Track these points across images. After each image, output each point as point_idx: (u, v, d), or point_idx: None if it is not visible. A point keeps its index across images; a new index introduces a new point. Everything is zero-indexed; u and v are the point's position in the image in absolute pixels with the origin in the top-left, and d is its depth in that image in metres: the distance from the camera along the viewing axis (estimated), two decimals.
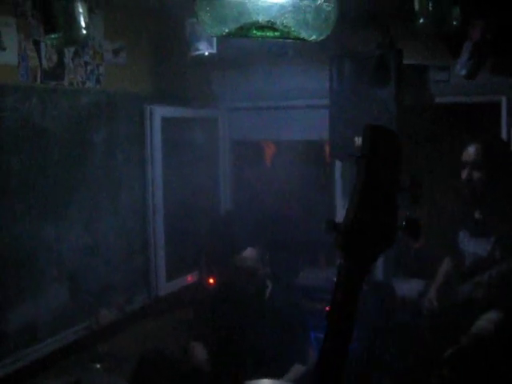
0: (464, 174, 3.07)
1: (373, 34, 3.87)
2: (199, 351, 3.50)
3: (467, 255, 3.17)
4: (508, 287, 2.94)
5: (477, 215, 3.16)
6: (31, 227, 3.32)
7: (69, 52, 3.53)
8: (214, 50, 3.74)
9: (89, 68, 3.68)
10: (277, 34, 1.33)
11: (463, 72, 3.37)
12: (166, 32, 4.15)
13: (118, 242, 3.92)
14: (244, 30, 1.31)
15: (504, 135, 3.78)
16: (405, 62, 3.90)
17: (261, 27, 1.29)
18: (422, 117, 4.06)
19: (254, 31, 1.31)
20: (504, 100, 3.74)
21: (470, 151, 3.08)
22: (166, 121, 4.21)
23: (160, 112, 4.14)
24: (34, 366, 3.27)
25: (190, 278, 4.41)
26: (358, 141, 3.97)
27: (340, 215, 4.39)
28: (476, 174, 3.04)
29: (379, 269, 4.29)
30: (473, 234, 3.15)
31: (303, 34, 1.39)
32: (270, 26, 1.28)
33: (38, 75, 3.36)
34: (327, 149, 4.61)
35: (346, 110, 3.98)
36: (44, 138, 3.40)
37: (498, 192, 3.06)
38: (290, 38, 1.42)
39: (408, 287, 4.06)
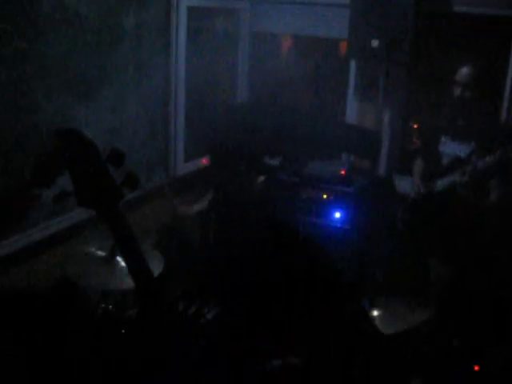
0: (457, 92, 3.44)
1: None
2: None
3: (445, 156, 3.62)
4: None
5: (460, 122, 3.55)
6: (63, 107, 3.54)
7: None
8: None
9: None
10: None
11: None
12: None
13: (141, 125, 4.17)
14: None
15: None
16: None
17: None
18: (439, 25, 4.22)
19: None
20: None
21: (463, 72, 3.43)
22: (191, 9, 4.34)
23: (186, 1, 4.27)
24: (66, 233, 3.63)
25: (204, 161, 4.71)
26: (375, 43, 4.16)
27: (350, 113, 4.65)
28: (467, 93, 3.40)
29: (381, 165, 4.61)
30: (454, 138, 3.58)
31: None
32: None
33: None
34: (342, 47, 4.77)
35: (366, 12, 4.13)
36: (77, 22, 3.55)
37: (483, 108, 3.49)
38: None
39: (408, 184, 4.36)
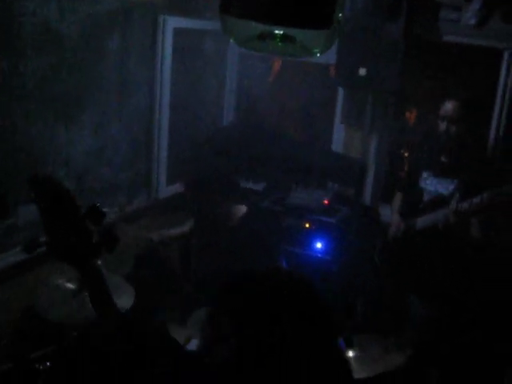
0: (442, 127, 3.37)
1: None
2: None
3: (426, 192, 3.55)
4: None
5: (443, 158, 3.48)
6: (44, 128, 3.49)
7: None
8: None
9: None
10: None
11: (472, 21, 3.48)
12: None
13: (123, 146, 4.11)
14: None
15: (502, 82, 3.92)
16: None
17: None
18: (427, 53, 4.18)
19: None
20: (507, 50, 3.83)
21: (448, 107, 3.37)
22: (177, 31, 4.28)
23: (172, 22, 4.21)
24: (40, 257, 3.55)
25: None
26: (362, 71, 4.10)
27: (336, 140, 4.59)
28: (452, 128, 3.34)
29: (367, 194, 4.55)
30: (436, 174, 3.50)
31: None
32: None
33: None
34: (333, 72, 4.71)
35: (354, 40, 4.08)
36: (60, 43, 3.49)
37: (468, 143, 3.42)
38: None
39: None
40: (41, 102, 3.44)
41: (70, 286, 2.82)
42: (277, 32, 1.23)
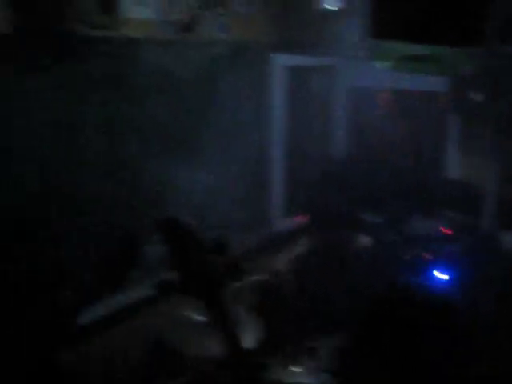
0: None
1: None
2: None
3: None
4: None
5: None
6: (164, 167, 3.63)
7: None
8: (342, 5, 3.81)
9: (220, 19, 3.86)
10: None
11: None
12: None
13: (237, 183, 4.20)
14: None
15: None
16: None
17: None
18: None
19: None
20: None
21: None
22: (288, 68, 4.38)
23: (283, 60, 4.31)
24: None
25: (302, 219, 4.65)
26: (475, 96, 4.00)
27: (451, 167, 4.49)
28: None
29: (486, 221, 4.38)
30: None
31: None
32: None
33: (174, 28, 3.59)
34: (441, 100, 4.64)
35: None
36: (178, 86, 3.66)
37: None
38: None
39: None
40: (161, 143, 3.59)
41: (200, 318, 2.85)
42: (428, 52, 1.23)
